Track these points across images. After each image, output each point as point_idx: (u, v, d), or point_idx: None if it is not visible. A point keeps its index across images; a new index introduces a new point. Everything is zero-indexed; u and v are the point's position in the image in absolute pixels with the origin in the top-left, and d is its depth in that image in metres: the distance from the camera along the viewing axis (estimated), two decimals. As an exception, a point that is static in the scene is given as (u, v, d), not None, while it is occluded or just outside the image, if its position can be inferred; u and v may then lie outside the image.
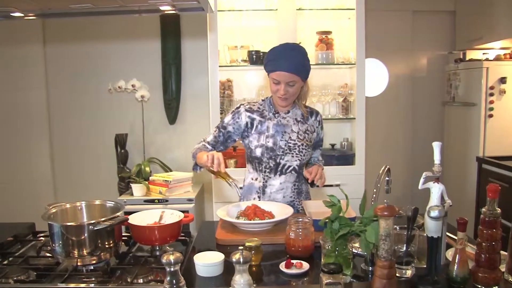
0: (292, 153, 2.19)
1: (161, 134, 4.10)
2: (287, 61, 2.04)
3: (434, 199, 1.40)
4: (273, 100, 2.22)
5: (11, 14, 1.84)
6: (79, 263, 1.57)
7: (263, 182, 2.23)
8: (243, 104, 2.25)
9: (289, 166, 2.20)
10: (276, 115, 2.22)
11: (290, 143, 2.19)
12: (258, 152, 2.18)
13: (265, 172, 2.22)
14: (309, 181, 2.15)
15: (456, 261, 1.35)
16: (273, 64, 2.07)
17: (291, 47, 2.13)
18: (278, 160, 2.18)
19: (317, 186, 2.18)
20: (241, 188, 2.26)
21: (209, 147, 2.22)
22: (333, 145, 3.60)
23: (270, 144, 2.17)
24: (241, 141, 2.31)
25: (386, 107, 4.59)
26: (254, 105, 2.25)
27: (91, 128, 4.10)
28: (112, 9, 1.88)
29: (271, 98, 2.25)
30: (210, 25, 3.30)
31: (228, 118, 2.23)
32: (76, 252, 1.57)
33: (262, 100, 2.28)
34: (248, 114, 2.21)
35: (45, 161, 4.12)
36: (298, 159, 2.20)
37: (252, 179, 2.27)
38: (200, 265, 1.51)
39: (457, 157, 4.18)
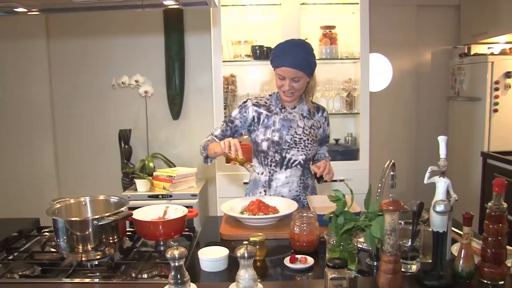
0: (298, 148, 2.20)
1: (164, 130, 4.10)
2: (292, 57, 2.06)
3: (440, 194, 1.39)
4: (279, 95, 2.23)
5: (14, 9, 1.84)
6: (83, 258, 1.57)
7: (269, 176, 2.24)
8: (250, 99, 2.28)
9: (295, 160, 2.21)
10: (283, 110, 2.23)
11: (296, 137, 2.20)
12: (264, 145, 2.19)
13: (271, 166, 2.23)
14: (318, 176, 2.16)
15: (462, 256, 1.34)
16: (278, 60, 2.09)
17: (296, 43, 2.14)
18: (283, 154, 2.20)
19: (325, 181, 2.19)
20: (246, 183, 2.26)
21: (218, 140, 2.24)
22: (337, 140, 3.59)
23: (276, 138, 2.18)
24: (247, 136, 2.33)
25: (390, 102, 4.57)
26: (261, 99, 2.27)
27: (94, 124, 4.11)
28: (115, 3, 1.87)
29: (277, 93, 2.26)
30: (213, 20, 3.29)
31: (235, 112, 2.25)
32: (80, 247, 1.57)
33: (269, 95, 2.30)
34: (255, 108, 2.23)
35: (49, 156, 4.12)
36: (304, 154, 2.21)
37: (258, 173, 2.28)
38: (204, 260, 1.51)
39: (461, 152, 4.16)
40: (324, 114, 2.32)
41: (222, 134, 2.25)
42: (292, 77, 2.08)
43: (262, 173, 2.26)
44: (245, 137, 2.34)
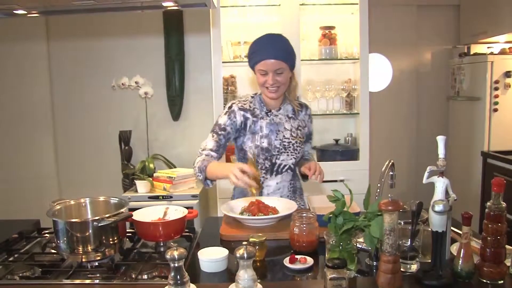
0: (287, 152, 2.13)
1: (165, 131, 4.10)
2: (273, 48, 2.00)
3: (439, 193, 1.39)
4: (263, 96, 2.16)
5: (14, 11, 1.84)
6: (83, 260, 1.57)
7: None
8: (234, 103, 2.16)
9: (285, 165, 2.15)
10: (269, 113, 2.15)
11: (285, 141, 2.13)
12: (252, 153, 2.10)
13: (261, 173, 2.13)
14: (309, 178, 2.08)
15: (461, 256, 1.34)
16: (258, 54, 2.02)
17: (273, 37, 2.06)
18: (274, 160, 2.13)
19: (307, 179, 2.14)
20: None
21: (214, 154, 2.10)
22: (337, 140, 3.59)
23: (265, 144, 2.10)
24: (232, 141, 2.21)
25: (390, 102, 4.58)
26: (245, 103, 2.16)
27: (95, 125, 4.11)
28: (114, 5, 1.87)
29: (260, 95, 2.17)
30: (213, 21, 3.29)
31: (224, 119, 2.12)
32: (80, 248, 1.57)
33: (252, 97, 2.19)
34: (242, 113, 2.12)
35: (49, 158, 4.13)
36: (293, 157, 2.15)
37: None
38: (204, 260, 1.51)
39: (461, 152, 4.16)
40: (308, 112, 2.25)
41: (217, 145, 2.11)
42: (275, 69, 2.00)
43: None
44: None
